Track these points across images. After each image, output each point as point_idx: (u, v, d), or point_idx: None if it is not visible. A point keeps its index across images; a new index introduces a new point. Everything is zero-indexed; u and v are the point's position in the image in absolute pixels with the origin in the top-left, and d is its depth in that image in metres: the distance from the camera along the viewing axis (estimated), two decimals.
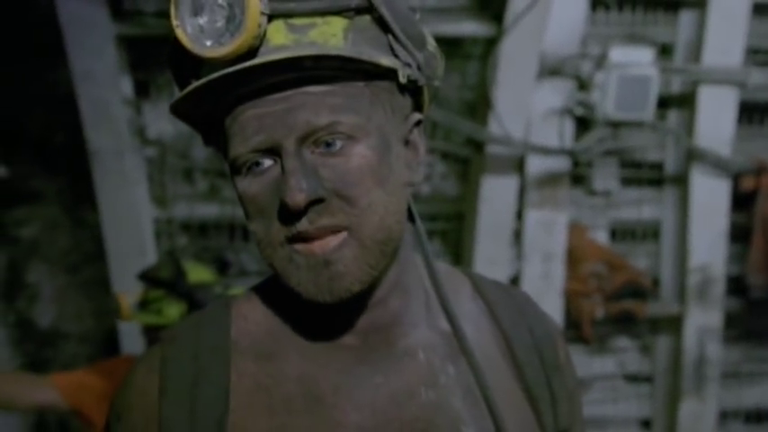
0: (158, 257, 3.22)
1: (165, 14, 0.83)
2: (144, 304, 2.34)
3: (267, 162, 0.85)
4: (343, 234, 0.85)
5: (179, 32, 0.83)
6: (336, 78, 0.84)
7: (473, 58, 3.18)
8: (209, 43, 0.82)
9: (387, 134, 0.88)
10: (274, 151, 0.84)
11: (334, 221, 0.84)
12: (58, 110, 3.04)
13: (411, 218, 1.04)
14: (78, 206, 3.30)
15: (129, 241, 3.13)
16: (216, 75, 0.81)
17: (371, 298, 0.92)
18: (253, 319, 0.97)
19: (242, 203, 0.88)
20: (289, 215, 0.83)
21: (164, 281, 2.33)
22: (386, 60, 0.85)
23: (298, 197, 0.81)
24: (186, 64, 0.85)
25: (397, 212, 0.88)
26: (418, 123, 0.95)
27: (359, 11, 0.85)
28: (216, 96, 0.86)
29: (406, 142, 0.93)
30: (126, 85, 2.94)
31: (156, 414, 0.91)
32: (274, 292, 0.95)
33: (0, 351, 3.35)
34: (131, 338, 2.99)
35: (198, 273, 2.40)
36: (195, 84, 0.83)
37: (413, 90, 0.93)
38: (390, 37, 0.87)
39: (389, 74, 0.87)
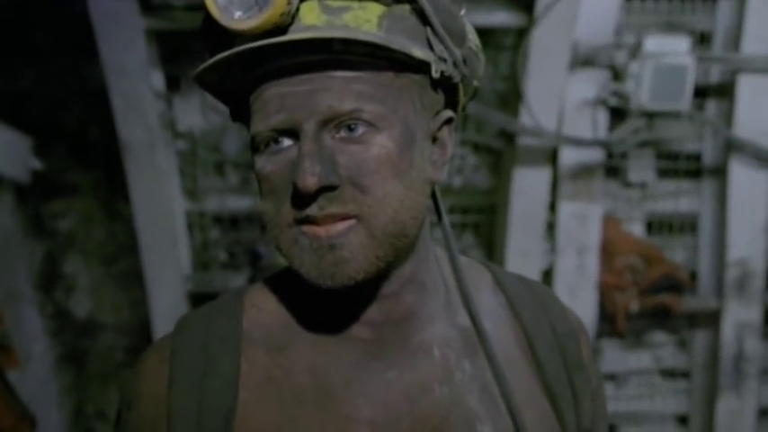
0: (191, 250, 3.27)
1: (194, 8, 0.83)
2: None
3: (286, 142, 0.83)
4: (352, 221, 0.83)
5: (209, 3, 0.82)
6: (365, 65, 0.82)
7: (505, 49, 3.14)
8: (237, 15, 0.81)
9: (412, 128, 0.85)
10: (294, 132, 0.82)
11: (344, 210, 0.82)
12: (91, 104, 3.08)
13: (438, 213, 1.02)
14: (113, 199, 3.34)
15: (162, 234, 3.16)
16: (241, 48, 0.80)
17: (383, 291, 0.91)
18: (266, 309, 0.96)
19: (258, 181, 0.87)
20: (299, 199, 0.82)
21: None
22: (419, 52, 0.83)
23: (309, 181, 0.79)
24: (218, 37, 0.84)
25: (414, 208, 0.86)
26: (449, 121, 0.92)
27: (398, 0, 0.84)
28: (242, 71, 0.85)
29: (434, 139, 0.91)
30: (157, 79, 2.96)
31: (165, 404, 0.90)
32: (289, 283, 0.94)
33: (38, 341, 3.41)
34: (166, 328, 3.04)
35: None
36: (221, 55, 0.81)
37: (447, 86, 0.90)
38: (428, 29, 0.85)
39: (422, 67, 0.85)
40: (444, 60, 0.86)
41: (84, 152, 3.31)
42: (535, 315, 1.00)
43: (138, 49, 2.83)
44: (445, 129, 0.92)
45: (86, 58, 2.90)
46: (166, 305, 3.21)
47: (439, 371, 0.92)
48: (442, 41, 0.86)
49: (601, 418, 1.04)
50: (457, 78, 0.89)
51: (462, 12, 0.92)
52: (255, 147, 0.86)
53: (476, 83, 0.96)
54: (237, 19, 0.81)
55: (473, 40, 0.93)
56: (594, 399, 1.01)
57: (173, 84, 3.03)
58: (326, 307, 0.91)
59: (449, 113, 0.92)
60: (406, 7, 0.84)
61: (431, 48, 0.86)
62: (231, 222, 3.32)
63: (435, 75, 0.85)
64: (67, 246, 3.44)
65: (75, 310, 3.50)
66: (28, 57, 3.14)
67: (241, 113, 0.90)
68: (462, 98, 0.94)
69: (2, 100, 3.14)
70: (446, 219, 1.02)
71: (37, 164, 3.18)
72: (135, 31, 2.79)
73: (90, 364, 3.56)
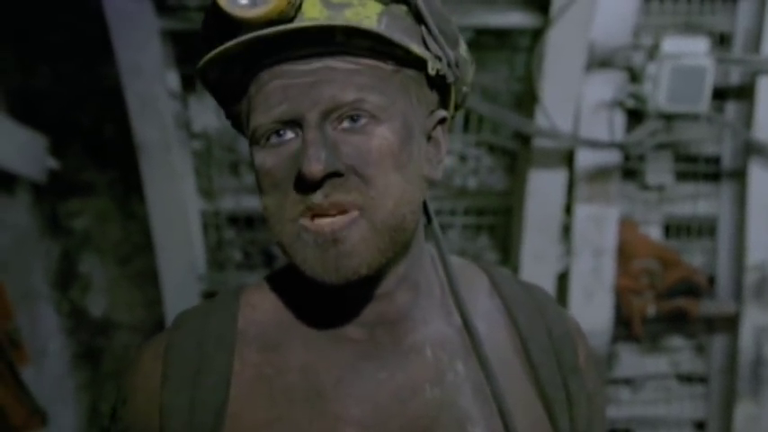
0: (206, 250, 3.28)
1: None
2: None
3: (289, 134, 0.84)
4: (355, 213, 0.84)
5: None
6: (365, 59, 0.84)
7: (520, 50, 3.12)
8: (243, 2, 0.82)
9: (410, 122, 0.87)
10: (296, 123, 0.83)
11: (348, 198, 0.83)
12: (107, 104, 3.10)
13: (428, 215, 1.03)
14: (128, 198, 3.36)
15: (177, 233, 3.16)
16: (247, 36, 0.81)
17: (378, 289, 0.92)
18: (261, 308, 0.97)
19: (257, 177, 0.88)
20: (305, 186, 0.83)
21: None
22: (417, 48, 0.85)
23: (315, 167, 0.80)
24: (222, 29, 0.85)
25: (413, 202, 0.87)
26: (443, 121, 0.94)
27: None
28: (244, 63, 0.86)
29: (429, 138, 0.92)
30: (172, 79, 2.97)
31: (159, 399, 0.91)
32: (285, 283, 0.95)
33: (54, 340, 3.44)
34: None
35: None
36: (227, 44, 0.83)
37: (441, 86, 0.92)
38: (424, 29, 0.87)
39: (419, 63, 0.87)
40: (439, 59, 0.88)
41: (100, 152, 3.33)
42: (531, 319, 1.00)
43: (154, 50, 2.84)
44: (439, 128, 0.94)
45: (102, 57, 2.91)
46: (181, 305, 3.16)
47: (430, 372, 0.93)
48: (436, 41, 0.88)
49: (597, 423, 1.04)
50: (451, 78, 0.91)
51: (453, 19, 0.94)
52: (256, 140, 0.87)
53: (465, 89, 0.98)
54: (242, 7, 0.82)
55: (464, 47, 0.95)
56: (591, 403, 1.01)
57: (188, 84, 3.03)
58: (321, 306, 0.92)
59: (443, 113, 0.94)
60: (403, 8, 0.87)
61: (426, 47, 0.88)
62: (246, 222, 3.33)
63: (431, 72, 0.87)
64: (83, 245, 3.45)
65: (90, 309, 3.52)
66: (43, 56, 3.16)
67: (237, 113, 0.91)
68: (454, 100, 0.96)
69: (18, 99, 3.16)
70: (435, 219, 1.03)
71: (53, 163, 3.19)
72: (150, 31, 2.79)
73: (105, 362, 3.58)
